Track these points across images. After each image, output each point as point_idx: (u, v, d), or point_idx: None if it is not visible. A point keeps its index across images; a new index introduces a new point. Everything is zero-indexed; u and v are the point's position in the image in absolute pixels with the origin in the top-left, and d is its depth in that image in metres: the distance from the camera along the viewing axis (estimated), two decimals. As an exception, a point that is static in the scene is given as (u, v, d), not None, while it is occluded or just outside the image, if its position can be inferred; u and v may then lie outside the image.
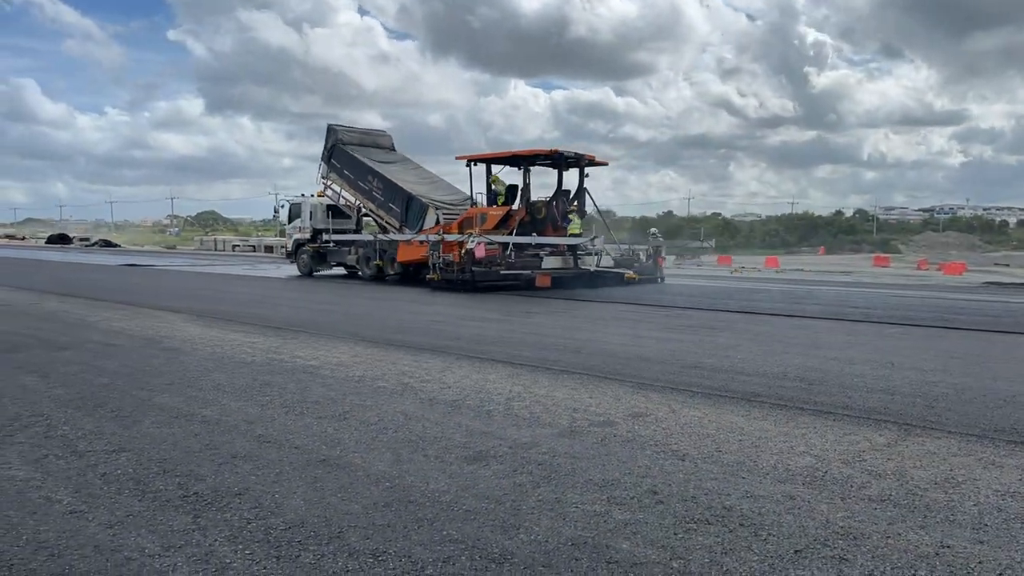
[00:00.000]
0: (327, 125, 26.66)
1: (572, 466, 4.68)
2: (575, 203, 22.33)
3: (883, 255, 47.31)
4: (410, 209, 23.26)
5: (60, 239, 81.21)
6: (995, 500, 4.17)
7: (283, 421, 5.73)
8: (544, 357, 8.76)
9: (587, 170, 22.39)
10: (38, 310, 13.73)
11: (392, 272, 23.40)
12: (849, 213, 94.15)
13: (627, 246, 24.25)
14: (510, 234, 20.65)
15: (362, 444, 5.12)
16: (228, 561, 3.32)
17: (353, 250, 25.12)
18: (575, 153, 21.74)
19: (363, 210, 25.44)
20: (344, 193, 25.76)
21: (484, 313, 14.15)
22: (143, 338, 10.11)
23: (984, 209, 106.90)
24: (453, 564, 3.31)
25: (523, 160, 21.73)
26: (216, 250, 64.21)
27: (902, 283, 26.32)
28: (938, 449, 5.15)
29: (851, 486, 4.36)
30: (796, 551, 3.46)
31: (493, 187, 22.43)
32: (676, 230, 70.15)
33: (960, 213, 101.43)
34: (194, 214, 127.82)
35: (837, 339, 10.71)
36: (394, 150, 27.82)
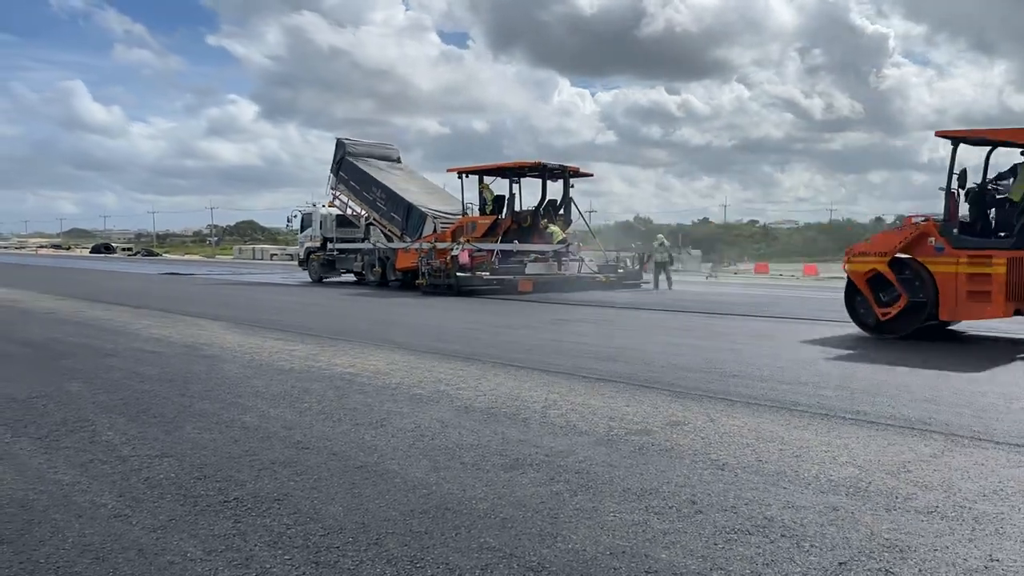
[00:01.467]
0: (336, 139, 27.76)
1: (609, 475, 4.64)
2: (560, 212, 24.00)
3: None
4: (410, 218, 24.63)
5: (104, 249, 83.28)
6: (1047, 513, 4.04)
7: (321, 428, 5.77)
8: (579, 365, 8.73)
9: (573, 180, 23.93)
10: (83, 318, 14.04)
11: (393, 278, 24.52)
12: (890, 220, 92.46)
13: (615, 253, 25.69)
14: (497, 242, 22.18)
15: (399, 451, 5.14)
16: (268, 566, 3.35)
17: (358, 257, 26.40)
18: (559, 165, 23.39)
19: (369, 219, 26.32)
20: (351, 203, 26.91)
21: (518, 320, 14.16)
22: (184, 345, 10.28)
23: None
24: (491, 572, 3.30)
25: (509, 172, 23.33)
26: (254, 259, 65.20)
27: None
28: (987, 460, 5.02)
29: (896, 497, 4.27)
30: (840, 563, 3.39)
31: (483, 195, 23.94)
32: (712, 238, 69.57)
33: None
34: (233, 223, 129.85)
35: (879, 347, 10.51)
36: (400, 161, 28.82)
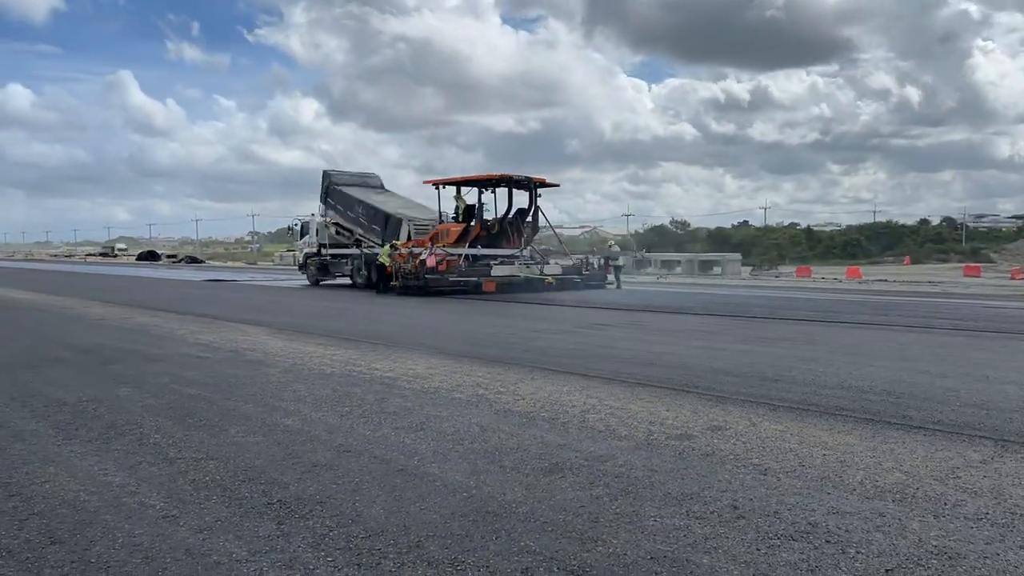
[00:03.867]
0: (323, 171, 30.73)
1: (650, 479, 4.62)
2: (528, 220, 26.09)
3: (974, 264, 45.29)
4: (388, 226, 27.34)
5: (149, 256, 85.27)
6: (1104, 521, 3.92)
7: (362, 431, 5.83)
8: (618, 369, 8.69)
9: (540, 189, 25.84)
10: (131, 324, 14.36)
11: (377, 279, 26.37)
12: (936, 221, 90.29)
13: (581, 256, 28.44)
14: (466, 247, 24.30)
15: (439, 454, 5.17)
16: (311, 567, 3.39)
17: (349, 262, 28.72)
18: (525, 177, 25.67)
19: (355, 235, 29.04)
20: (341, 222, 29.61)
21: (555, 326, 14.14)
22: (227, 350, 10.46)
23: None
24: (532, 575, 3.31)
25: (479, 184, 25.62)
26: (295, 264, 65.97)
27: (995, 294, 25.16)
28: (1039, 466, 4.88)
29: (945, 504, 4.18)
30: (887, 570, 3.33)
31: (457, 205, 26.32)
32: (750, 241, 68.78)
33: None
34: (274, 230, 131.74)
35: (925, 352, 10.29)
36: (383, 188, 31.83)
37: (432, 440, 5.54)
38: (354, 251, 28.47)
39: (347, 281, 28.86)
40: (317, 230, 30.54)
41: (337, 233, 29.16)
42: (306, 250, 31.38)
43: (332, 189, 29.67)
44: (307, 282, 30.70)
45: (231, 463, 5.01)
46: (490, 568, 3.37)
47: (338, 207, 29.52)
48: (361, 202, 28.68)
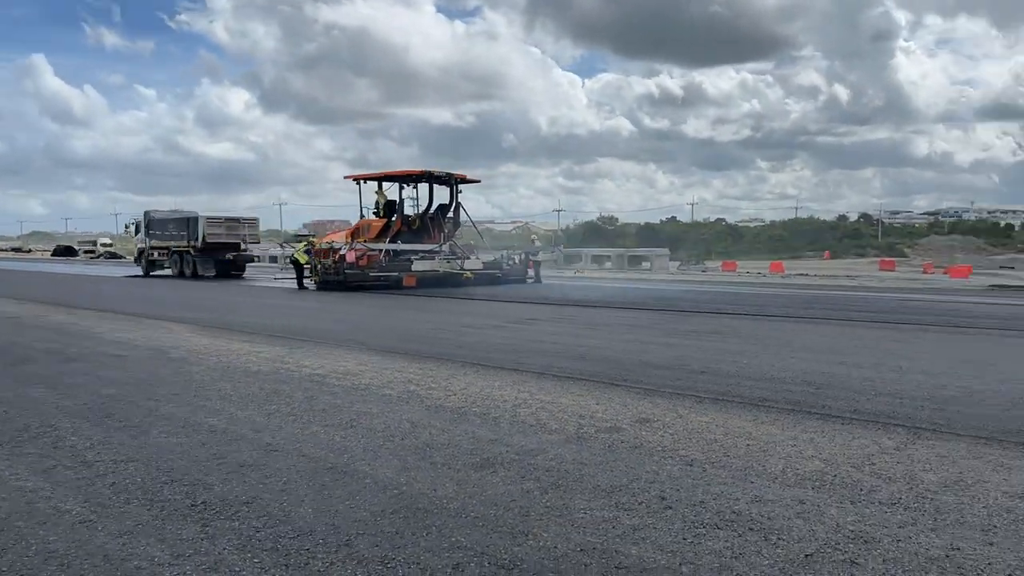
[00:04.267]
0: (143, 212, 36.45)
1: (579, 472, 4.67)
2: (449, 216, 26.63)
3: (889, 259, 47.20)
4: (190, 226, 32.89)
5: (66, 251, 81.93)
6: (1005, 502, 4.15)
7: (290, 430, 5.73)
8: (549, 364, 8.76)
9: (460, 185, 26.41)
10: (46, 322, 13.76)
11: (198, 273, 32.14)
12: (853, 217, 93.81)
13: (503, 252, 29.25)
14: (388, 243, 24.75)
15: (369, 452, 5.12)
16: (237, 570, 3.32)
17: (169, 256, 34.49)
18: (446, 173, 26.29)
19: (171, 248, 34.45)
20: (159, 247, 35.09)
21: (485, 320, 14.16)
22: (149, 348, 10.13)
23: (989, 212, 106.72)
24: (463, 571, 3.31)
25: (399, 179, 25.98)
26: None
27: (908, 287, 26.29)
28: (948, 452, 5.13)
29: (861, 490, 4.35)
30: (807, 555, 3.45)
31: (376, 199, 26.80)
32: (677, 236, 70.27)
33: (965, 216, 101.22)
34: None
35: (843, 343, 10.69)
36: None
37: (362, 437, 5.49)
38: (173, 245, 34.26)
39: (169, 272, 34.31)
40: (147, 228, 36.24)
41: (159, 255, 35.31)
42: (139, 246, 36.88)
43: (154, 221, 35.52)
44: (140, 272, 36.07)
45: (153, 465, 4.86)
46: (421, 565, 3.36)
47: (157, 233, 35.25)
48: (171, 220, 34.82)
